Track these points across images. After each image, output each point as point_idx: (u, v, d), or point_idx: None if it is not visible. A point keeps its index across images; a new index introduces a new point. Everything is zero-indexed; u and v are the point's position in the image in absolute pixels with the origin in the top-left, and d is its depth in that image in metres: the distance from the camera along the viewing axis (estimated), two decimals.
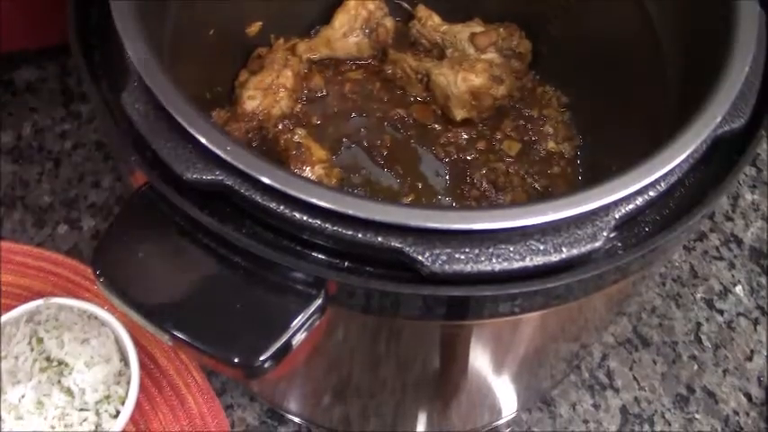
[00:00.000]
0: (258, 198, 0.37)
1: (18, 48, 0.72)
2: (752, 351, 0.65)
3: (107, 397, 0.54)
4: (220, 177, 0.37)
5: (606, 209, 0.37)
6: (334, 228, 0.36)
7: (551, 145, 0.61)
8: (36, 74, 0.75)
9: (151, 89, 0.38)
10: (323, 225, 0.36)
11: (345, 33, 0.64)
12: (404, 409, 0.55)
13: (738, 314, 0.67)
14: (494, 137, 0.62)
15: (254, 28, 0.63)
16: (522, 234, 0.36)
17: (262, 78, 0.60)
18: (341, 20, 0.64)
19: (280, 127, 0.59)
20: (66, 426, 0.52)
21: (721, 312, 0.67)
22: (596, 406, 0.62)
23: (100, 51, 0.45)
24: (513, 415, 0.61)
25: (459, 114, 0.61)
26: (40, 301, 0.56)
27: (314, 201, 0.35)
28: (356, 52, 0.65)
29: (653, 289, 0.68)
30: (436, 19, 0.65)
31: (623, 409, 0.62)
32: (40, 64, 0.75)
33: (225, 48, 0.61)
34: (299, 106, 0.62)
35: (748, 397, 0.63)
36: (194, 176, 0.37)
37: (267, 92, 0.59)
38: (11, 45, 0.71)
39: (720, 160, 0.42)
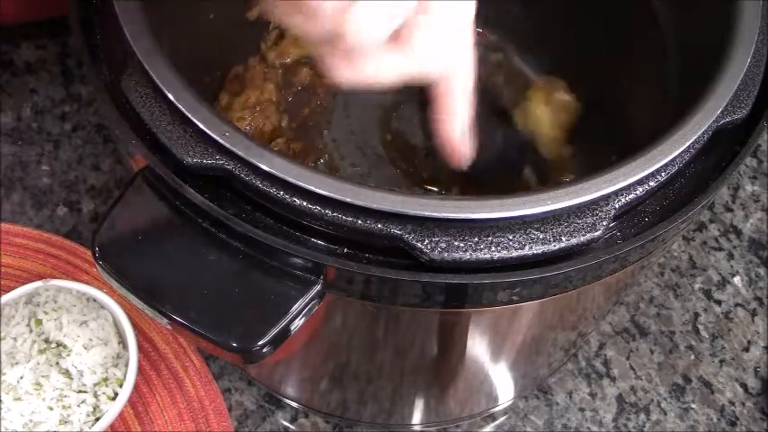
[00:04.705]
0: (258, 183, 0.36)
1: (18, 22, 0.72)
2: (749, 342, 0.66)
3: (105, 379, 0.54)
4: (220, 162, 0.37)
5: (606, 199, 0.37)
6: (334, 214, 0.36)
7: None
8: (36, 55, 0.74)
9: (150, 74, 0.38)
10: (322, 211, 0.36)
11: None
12: (401, 395, 0.55)
13: (736, 305, 0.67)
14: None
15: (254, 12, 0.62)
16: (522, 223, 0.36)
17: (246, 98, 0.59)
18: None
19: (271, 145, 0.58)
20: (64, 407, 0.53)
21: (719, 303, 0.67)
22: (593, 394, 0.63)
23: (100, 32, 0.44)
24: (510, 402, 0.61)
25: None
26: (39, 283, 0.56)
27: (311, 188, 0.35)
28: None
29: (651, 279, 0.68)
30: None
31: (619, 398, 0.63)
32: (40, 44, 0.75)
33: (224, 32, 0.60)
34: (290, 98, 0.61)
35: (744, 387, 0.64)
36: (194, 161, 0.37)
37: (254, 111, 0.58)
38: (10, 19, 0.70)
39: (721, 151, 0.42)
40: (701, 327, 0.66)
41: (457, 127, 0.40)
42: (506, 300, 0.38)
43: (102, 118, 0.71)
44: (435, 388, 0.55)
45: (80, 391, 0.53)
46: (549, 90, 0.59)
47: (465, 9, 0.36)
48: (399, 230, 0.36)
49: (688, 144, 0.38)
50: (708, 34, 0.45)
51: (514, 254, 0.36)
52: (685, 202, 0.40)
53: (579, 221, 0.37)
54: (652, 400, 0.63)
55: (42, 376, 0.53)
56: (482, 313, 0.41)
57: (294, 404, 0.60)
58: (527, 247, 0.36)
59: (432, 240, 0.36)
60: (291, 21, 0.33)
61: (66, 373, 0.53)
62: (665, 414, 0.62)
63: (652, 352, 0.65)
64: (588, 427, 0.61)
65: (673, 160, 0.38)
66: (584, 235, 0.37)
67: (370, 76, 0.35)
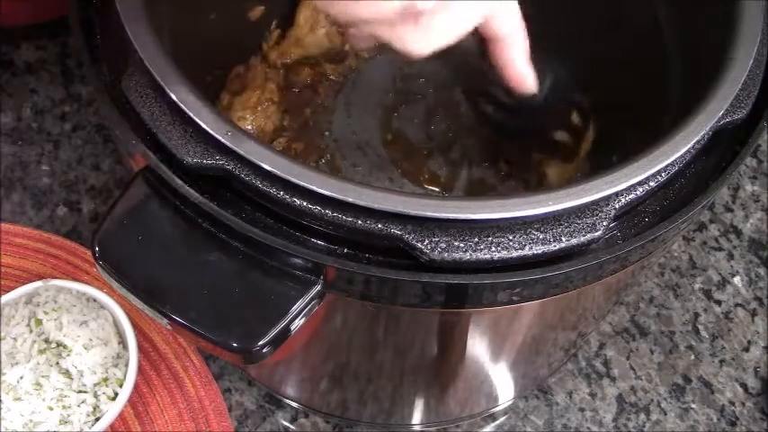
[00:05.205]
0: (258, 183, 0.36)
1: (18, 23, 0.72)
2: (749, 342, 0.66)
3: (105, 379, 0.54)
4: (221, 162, 0.37)
5: (606, 199, 0.37)
6: (334, 214, 0.36)
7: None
8: (36, 55, 0.74)
9: (151, 72, 0.38)
10: (323, 211, 0.36)
11: (312, 27, 0.63)
12: (401, 395, 0.55)
13: (736, 305, 0.67)
14: None
15: (255, 12, 0.62)
16: (522, 223, 0.36)
17: (247, 97, 0.58)
18: (304, 15, 0.63)
19: (272, 144, 0.58)
20: (64, 407, 0.53)
21: (719, 303, 0.67)
22: (593, 394, 0.63)
23: (101, 32, 0.44)
24: (510, 402, 0.61)
25: None
26: (39, 283, 0.56)
27: (313, 188, 0.35)
28: (328, 43, 0.64)
29: (651, 279, 0.68)
30: None
31: (619, 398, 0.63)
32: (41, 44, 0.75)
33: (226, 31, 0.60)
34: (292, 98, 0.61)
35: (744, 387, 0.64)
36: (194, 161, 0.37)
37: (256, 110, 0.58)
38: (11, 20, 0.71)
39: (721, 151, 0.42)
40: (700, 327, 0.66)
41: (516, 51, 0.41)
42: (506, 300, 0.38)
43: (102, 118, 0.71)
44: (435, 388, 0.55)
45: (80, 391, 0.53)
46: None
47: None
48: (400, 230, 0.36)
49: (689, 146, 0.38)
50: (709, 35, 0.45)
51: (515, 254, 0.36)
52: (685, 202, 0.40)
53: (579, 222, 0.37)
54: (652, 400, 0.63)
55: (42, 376, 0.53)
56: (482, 313, 0.41)
57: (294, 404, 0.60)
58: (527, 248, 0.36)
59: (432, 240, 0.36)
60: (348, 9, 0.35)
61: (66, 373, 0.53)
62: (665, 414, 0.62)
63: (652, 352, 0.65)
64: (588, 427, 0.61)
65: (673, 161, 0.38)
66: (584, 235, 0.37)
67: (439, 37, 0.37)
